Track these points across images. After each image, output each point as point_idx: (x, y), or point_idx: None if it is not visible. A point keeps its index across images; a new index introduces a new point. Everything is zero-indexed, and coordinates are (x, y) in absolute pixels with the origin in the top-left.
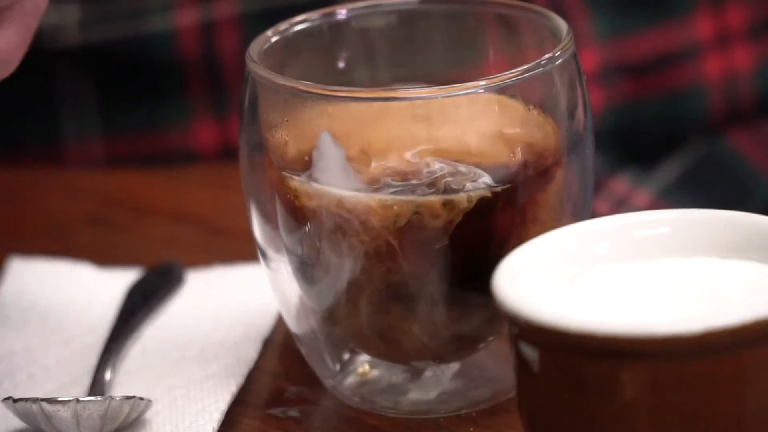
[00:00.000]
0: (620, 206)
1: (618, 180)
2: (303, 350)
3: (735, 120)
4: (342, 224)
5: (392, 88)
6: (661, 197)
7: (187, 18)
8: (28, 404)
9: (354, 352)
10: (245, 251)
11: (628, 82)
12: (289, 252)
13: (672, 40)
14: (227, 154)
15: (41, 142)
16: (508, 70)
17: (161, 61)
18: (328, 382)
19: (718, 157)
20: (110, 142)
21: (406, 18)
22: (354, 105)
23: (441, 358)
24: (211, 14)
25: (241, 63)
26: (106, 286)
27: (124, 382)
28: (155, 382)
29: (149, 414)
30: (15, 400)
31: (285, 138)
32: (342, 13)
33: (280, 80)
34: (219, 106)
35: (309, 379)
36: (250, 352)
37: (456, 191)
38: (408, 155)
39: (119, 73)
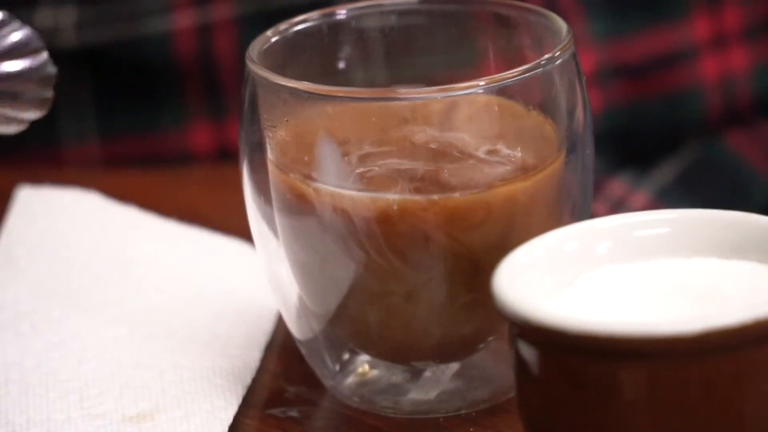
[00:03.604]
0: (618, 208)
1: (616, 182)
2: (303, 350)
3: (732, 121)
4: (342, 224)
5: (392, 88)
6: (659, 198)
7: (183, 20)
8: None
9: (354, 352)
10: (245, 251)
11: (624, 84)
12: (289, 252)
13: (668, 41)
14: (224, 156)
15: (38, 144)
16: (507, 71)
17: (158, 63)
18: (328, 382)
19: (715, 158)
20: (107, 145)
21: (405, 18)
22: (354, 105)
23: (441, 358)
24: (207, 16)
25: (238, 65)
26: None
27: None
28: (157, 380)
29: (157, 419)
30: None
31: (285, 138)
32: (342, 13)
33: (280, 80)
34: (216, 109)
35: (309, 379)
36: (253, 355)
37: (456, 191)
38: (407, 156)
39: (116, 75)
